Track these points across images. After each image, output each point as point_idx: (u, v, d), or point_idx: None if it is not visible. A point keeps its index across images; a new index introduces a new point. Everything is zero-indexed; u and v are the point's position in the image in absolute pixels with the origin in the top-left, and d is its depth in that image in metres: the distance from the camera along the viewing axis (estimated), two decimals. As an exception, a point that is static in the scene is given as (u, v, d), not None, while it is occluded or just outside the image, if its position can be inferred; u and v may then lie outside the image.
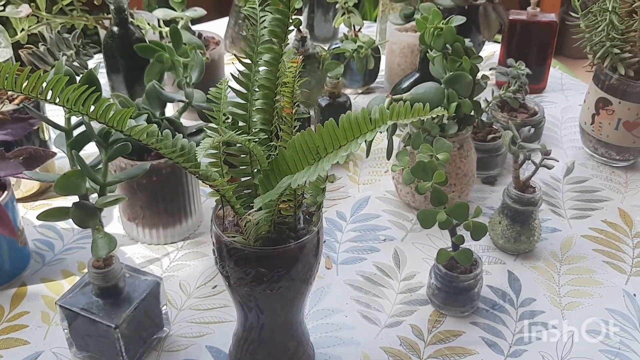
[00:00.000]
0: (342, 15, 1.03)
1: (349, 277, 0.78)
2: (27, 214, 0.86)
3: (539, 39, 1.10)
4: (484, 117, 0.96)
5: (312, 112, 0.98)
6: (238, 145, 0.55)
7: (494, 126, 0.95)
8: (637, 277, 0.79)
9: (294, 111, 0.54)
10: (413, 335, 0.71)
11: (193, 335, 0.71)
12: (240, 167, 0.58)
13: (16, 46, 0.93)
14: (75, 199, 0.63)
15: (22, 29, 1.00)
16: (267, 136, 0.58)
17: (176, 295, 0.76)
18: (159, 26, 1.02)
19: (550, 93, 1.14)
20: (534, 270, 0.79)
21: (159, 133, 0.50)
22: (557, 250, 0.82)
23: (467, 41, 0.82)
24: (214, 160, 0.56)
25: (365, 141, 0.45)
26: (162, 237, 0.82)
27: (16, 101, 0.82)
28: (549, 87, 1.15)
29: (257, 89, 0.58)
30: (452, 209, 0.68)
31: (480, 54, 1.18)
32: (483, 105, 0.95)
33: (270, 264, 0.56)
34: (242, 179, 0.57)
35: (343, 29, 1.13)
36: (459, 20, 0.80)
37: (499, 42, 1.18)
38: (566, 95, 1.13)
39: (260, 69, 0.58)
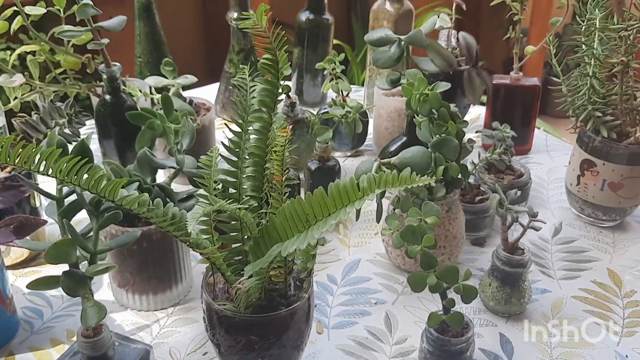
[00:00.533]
0: (330, 81, 1.06)
1: (341, 341, 0.78)
2: (17, 282, 0.86)
3: (523, 102, 1.12)
4: (471, 180, 0.97)
5: (301, 176, 0.99)
6: (228, 212, 0.56)
7: (481, 188, 0.97)
8: (629, 338, 0.79)
9: (283, 178, 0.55)
10: (406, 401, 0.70)
11: (183, 404, 0.70)
12: (231, 234, 0.59)
13: (9, 114, 0.95)
14: (66, 267, 0.63)
15: (15, 97, 1.02)
16: (257, 203, 0.59)
17: (166, 362, 0.75)
18: (151, 93, 1.03)
19: (536, 154, 1.16)
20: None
21: (150, 202, 0.51)
22: (548, 311, 0.82)
23: (452, 106, 0.84)
24: (205, 227, 0.57)
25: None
26: (152, 303, 0.81)
27: (7, 169, 0.83)
28: (534, 149, 1.17)
29: (247, 157, 0.59)
30: (442, 272, 0.69)
31: (466, 116, 1.21)
32: (470, 167, 0.97)
33: (261, 331, 0.56)
34: (233, 246, 0.57)
35: (332, 94, 1.16)
36: (444, 86, 0.83)
37: (484, 104, 1.20)
38: (552, 156, 1.15)
39: (251, 137, 0.59)
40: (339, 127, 1.04)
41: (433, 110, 0.82)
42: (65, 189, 0.64)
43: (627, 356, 0.76)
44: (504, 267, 0.79)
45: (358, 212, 0.85)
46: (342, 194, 0.46)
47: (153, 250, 0.78)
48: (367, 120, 1.13)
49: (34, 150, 0.44)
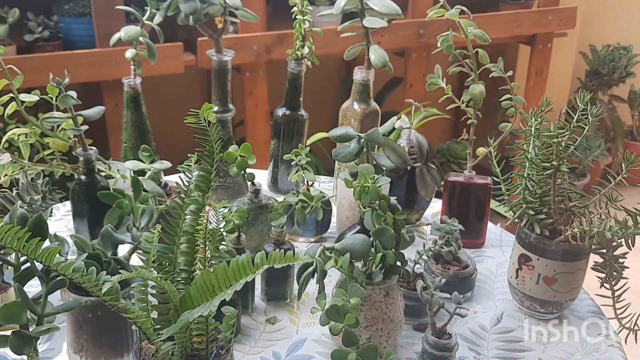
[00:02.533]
0: (296, 172, 1.15)
1: (275, 414, 0.83)
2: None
3: (477, 198, 1.20)
4: (419, 269, 1.04)
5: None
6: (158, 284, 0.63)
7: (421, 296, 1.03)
8: None
9: (206, 254, 0.62)
10: None
11: None
12: (165, 304, 0.66)
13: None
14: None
15: (6, 174, 1.11)
16: (187, 276, 0.66)
17: None
18: (130, 176, 1.12)
19: (489, 248, 1.23)
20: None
21: (85, 269, 0.58)
22: (476, 396, 0.87)
23: (392, 199, 0.92)
24: (142, 296, 0.64)
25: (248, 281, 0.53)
26: (105, 369, 0.87)
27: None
28: (488, 243, 1.24)
29: (182, 234, 0.67)
30: (362, 350, 0.75)
31: (428, 210, 1.29)
32: (415, 257, 1.03)
33: (180, 392, 0.62)
34: (159, 315, 0.64)
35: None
36: (383, 180, 0.91)
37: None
38: (503, 251, 1.21)
39: (186, 217, 0.67)
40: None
41: (374, 202, 0.90)
42: (22, 258, 0.72)
43: None
44: (432, 350, 0.85)
45: (300, 290, 0.91)
46: (240, 267, 0.54)
47: (107, 319, 0.85)
48: (330, 209, 1.21)
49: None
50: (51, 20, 2.09)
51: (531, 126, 1.01)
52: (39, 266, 0.70)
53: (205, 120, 0.67)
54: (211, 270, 0.57)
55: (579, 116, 0.98)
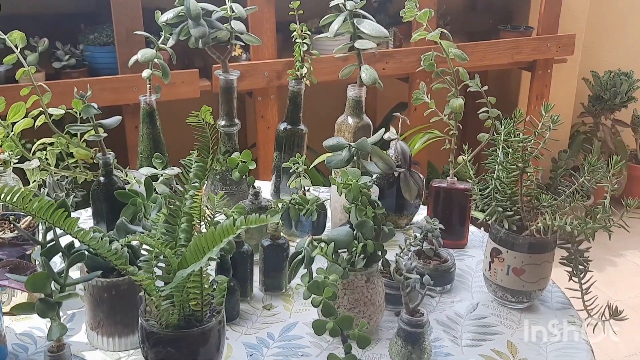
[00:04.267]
0: (295, 178, 1.27)
1: (266, 382, 0.94)
2: (11, 325, 1.04)
3: (459, 202, 1.31)
4: (403, 264, 1.15)
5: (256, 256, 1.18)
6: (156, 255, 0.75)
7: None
8: (510, 394, 0.93)
9: (200, 228, 0.74)
10: None
11: (127, 420, 0.86)
12: (165, 269, 0.78)
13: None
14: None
15: (34, 180, 1.25)
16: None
17: (120, 389, 0.92)
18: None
19: (471, 249, 1.33)
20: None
21: (100, 238, 0.71)
22: (447, 370, 0.98)
23: (373, 195, 1.04)
24: (147, 262, 0.76)
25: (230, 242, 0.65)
26: (117, 345, 0.99)
27: (15, 232, 1.04)
28: (470, 244, 1.34)
29: (183, 215, 0.79)
30: (339, 319, 0.86)
31: (416, 217, 1.40)
32: (398, 251, 1.14)
33: (178, 345, 0.74)
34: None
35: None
36: (364, 179, 1.03)
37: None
38: (484, 251, 1.32)
39: (186, 202, 0.79)
40: (301, 217, 1.25)
41: (356, 199, 1.02)
42: (48, 237, 0.85)
43: (504, 407, 0.90)
44: (405, 327, 0.96)
45: (290, 275, 1.02)
46: (224, 230, 0.66)
47: (121, 299, 0.97)
48: (325, 212, 1.33)
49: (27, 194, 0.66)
50: (77, 48, 2.26)
51: (500, 134, 1.12)
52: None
53: (203, 120, 0.80)
54: (202, 235, 0.69)
55: (542, 124, 1.10)
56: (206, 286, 0.75)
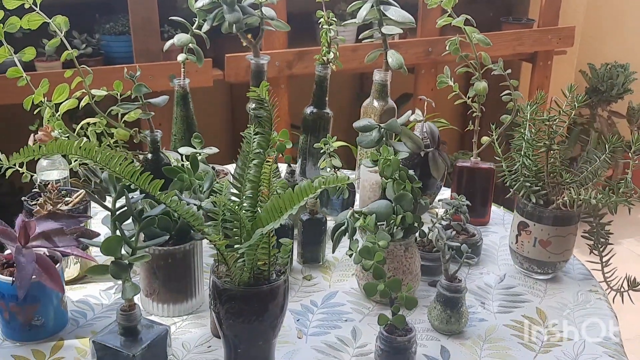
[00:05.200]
0: (325, 159, 1.33)
1: (315, 344, 1.00)
2: (68, 293, 1.10)
3: (481, 182, 1.37)
4: (432, 237, 1.21)
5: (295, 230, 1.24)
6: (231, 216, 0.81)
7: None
8: (543, 355, 0.99)
9: (269, 192, 0.80)
10: (360, 384, 0.92)
11: (190, 377, 0.92)
12: (233, 231, 0.83)
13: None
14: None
15: (76, 160, 1.30)
16: (252, 215, 0.83)
17: (178, 350, 0.97)
18: (182, 160, 1.31)
19: (493, 226, 1.40)
20: (462, 346, 1.01)
21: (180, 199, 0.76)
22: (482, 333, 1.04)
23: (410, 171, 1.10)
24: (215, 222, 0.82)
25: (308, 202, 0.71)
26: (171, 311, 1.05)
27: (71, 204, 1.09)
28: (492, 222, 1.41)
29: (247, 183, 0.85)
30: (388, 282, 0.92)
31: (438, 196, 1.46)
32: (429, 225, 1.20)
33: (249, 301, 0.80)
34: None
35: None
36: (403, 154, 1.09)
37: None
38: (506, 228, 1.38)
39: (250, 170, 0.85)
40: (332, 197, 1.31)
41: (395, 173, 1.08)
42: (117, 204, 0.90)
43: (539, 366, 0.97)
44: (444, 292, 1.02)
45: (335, 244, 1.08)
46: (302, 190, 0.71)
47: (176, 267, 1.03)
48: (354, 191, 1.39)
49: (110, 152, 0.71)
50: (94, 38, 2.30)
51: (527, 114, 1.19)
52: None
53: (263, 93, 0.85)
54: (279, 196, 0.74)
55: (566, 104, 1.16)
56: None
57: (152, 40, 2.30)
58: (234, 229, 0.81)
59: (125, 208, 0.87)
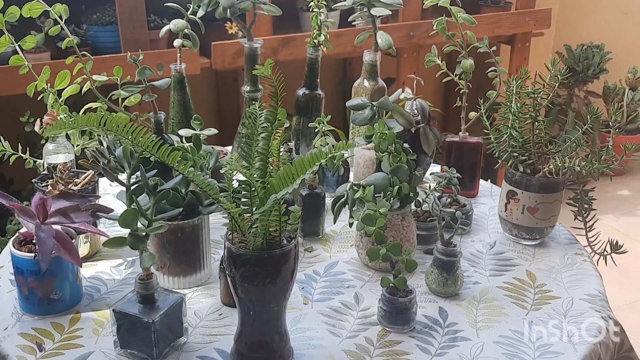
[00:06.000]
0: (320, 137, 1.38)
1: (320, 309, 1.05)
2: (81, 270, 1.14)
3: (469, 156, 1.44)
4: (425, 207, 1.27)
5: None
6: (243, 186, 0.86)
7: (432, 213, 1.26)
8: (535, 312, 1.06)
9: (280, 162, 0.85)
10: (366, 343, 0.97)
11: (204, 342, 0.97)
12: (244, 201, 0.88)
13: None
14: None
15: (78, 144, 1.34)
16: (261, 186, 0.88)
17: (192, 319, 1.02)
18: (182, 141, 1.35)
19: (482, 198, 1.46)
20: (458, 306, 1.07)
21: (194, 171, 0.81)
22: (477, 294, 1.10)
23: (404, 145, 1.15)
24: (227, 192, 0.86)
25: (319, 170, 0.76)
26: (182, 283, 1.09)
27: (80, 184, 1.13)
28: (480, 194, 1.47)
29: (256, 155, 0.89)
30: (390, 246, 0.98)
31: (428, 171, 1.52)
32: (423, 195, 1.26)
33: (263, 264, 0.85)
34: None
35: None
36: (398, 128, 1.14)
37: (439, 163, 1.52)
38: (494, 199, 1.45)
39: (259, 143, 0.90)
40: (327, 174, 1.37)
41: (390, 147, 1.14)
42: (132, 180, 0.94)
43: (532, 321, 1.03)
44: (441, 256, 1.08)
45: (336, 216, 1.13)
46: (313, 157, 0.77)
47: (185, 241, 1.07)
48: (349, 168, 1.44)
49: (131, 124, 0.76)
50: (81, 28, 2.32)
51: (513, 88, 1.25)
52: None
53: (269, 69, 0.90)
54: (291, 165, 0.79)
55: (550, 77, 1.23)
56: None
57: (139, 30, 2.33)
58: (246, 199, 0.86)
59: (140, 182, 0.91)
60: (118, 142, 1.14)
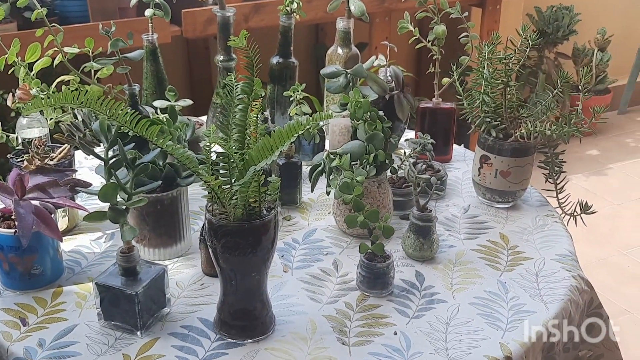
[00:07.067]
0: (295, 106, 1.38)
1: (300, 276, 1.07)
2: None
3: (443, 121, 1.45)
4: (401, 173, 1.29)
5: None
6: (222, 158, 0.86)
7: (407, 180, 1.28)
8: (508, 272, 1.09)
9: (258, 133, 0.86)
10: (346, 308, 1.00)
11: (187, 312, 0.99)
12: (223, 173, 0.89)
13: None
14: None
15: (51, 118, 1.33)
16: (239, 157, 0.89)
17: (174, 289, 1.03)
18: (156, 113, 1.35)
19: (456, 163, 1.48)
20: (434, 270, 1.10)
21: (174, 146, 0.82)
22: (452, 258, 1.13)
23: (380, 113, 1.17)
24: (206, 164, 0.87)
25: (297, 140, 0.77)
26: (162, 255, 1.11)
27: (56, 158, 1.13)
28: (454, 159, 1.49)
29: (234, 127, 0.90)
30: (367, 214, 1.00)
31: (403, 137, 1.54)
32: (398, 162, 1.28)
33: (244, 234, 0.86)
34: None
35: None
36: (373, 96, 1.16)
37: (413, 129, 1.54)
38: (467, 164, 1.47)
39: (236, 115, 0.90)
40: (303, 142, 1.38)
41: (366, 115, 1.15)
42: (109, 154, 0.94)
43: (505, 282, 1.07)
44: (417, 222, 1.10)
45: (313, 184, 1.15)
46: (292, 128, 0.78)
47: (164, 213, 1.08)
48: (324, 136, 1.46)
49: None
50: (47, -2, 2.28)
51: (485, 54, 1.26)
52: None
53: (243, 40, 0.90)
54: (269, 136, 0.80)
55: (521, 42, 1.24)
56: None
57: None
58: (224, 171, 0.87)
59: (119, 156, 0.92)
60: (93, 115, 1.14)
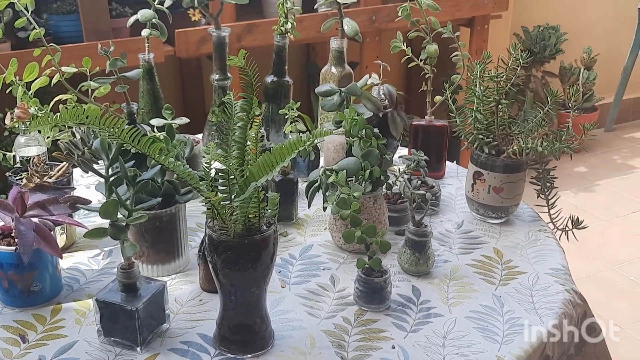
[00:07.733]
0: (290, 123, 1.40)
1: (298, 292, 1.08)
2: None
3: (436, 138, 1.48)
4: (395, 189, 1.31)
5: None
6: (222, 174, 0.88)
7: (402, 196, 1.30)
8: (503, 287, 1.11)
9: (257, 150, 0.87)
10: (344, 322, 1.01)
11: (187, 327, 1.00)
12: (223, 189, 0.90)
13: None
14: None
15: (49, 136, 1.34)
16: (239, 174, 0.91)
17: (173, 305, 1.04)
18: (153, 131, 1.36)
19: (448, 179, 1.50)
20: (430, 284, 1.11)
21: (174, 162, 0.83)
22: (448, 272, 1.15)
23: (375, 130, 1.19)
24: (206, 179, 0.89)
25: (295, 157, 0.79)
26: (161, 271, 1.11)
27: (55, 176, 1.14)
28: (447, 175, 1.51)
29: (233, 144, 0.92)
30: (365, 229, 1.01)
31: (396, 154, 1.56)
32: (393, 178, 1.30)
33: (243, 250, 0.87)
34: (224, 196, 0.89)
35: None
36: (367, 113, 1.18)
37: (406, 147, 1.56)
38: (460, 180, 1.49)
39: (235, 132, 0.92)
40: (298, 159, 1.40)
41: (361, 132, 1.17)
42: (110, 171, 0.96)
43: (500, 296, 1.08)
44: (413, 237, 1.12)
45: (310, 200, 1.16)
46: (291, 145, 0.79)
47: (163, 230, 1.09)
48: (319, 153, 1.47)
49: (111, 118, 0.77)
50: (41, 18, 2.29)
51: (477, 72, 1.29)
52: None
53: (242, 60, 0.92)
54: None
55: (512, 61, 1.27)
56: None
57: (101, 19, 2.32)
58: (224, 187, 0.88)
59: (119, 173, 0.93)
60: (92, 133, 1.16)
